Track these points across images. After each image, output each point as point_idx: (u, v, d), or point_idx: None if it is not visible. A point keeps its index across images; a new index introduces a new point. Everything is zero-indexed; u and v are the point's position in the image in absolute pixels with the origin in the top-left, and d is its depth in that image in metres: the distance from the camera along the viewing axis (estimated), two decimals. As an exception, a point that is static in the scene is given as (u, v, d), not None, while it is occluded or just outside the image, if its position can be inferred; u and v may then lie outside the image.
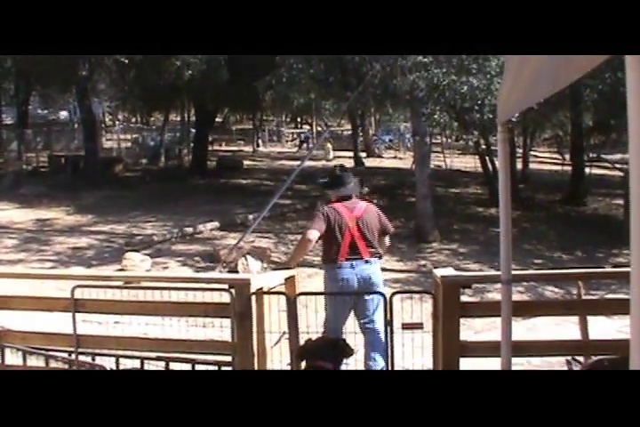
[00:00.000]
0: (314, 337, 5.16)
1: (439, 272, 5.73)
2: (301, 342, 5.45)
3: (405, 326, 5.27)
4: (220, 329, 8.29)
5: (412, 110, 18.18)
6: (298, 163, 34.16)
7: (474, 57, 14.92)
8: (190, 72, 22.24)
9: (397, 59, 14.99)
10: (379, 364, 6.28)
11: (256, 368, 5.14)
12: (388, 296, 5.20)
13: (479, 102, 15.17)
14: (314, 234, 6.64)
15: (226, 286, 5.28)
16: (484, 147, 22.23)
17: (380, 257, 7.05)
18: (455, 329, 4.86)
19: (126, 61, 23.12)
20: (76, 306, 5.46)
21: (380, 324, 6.30)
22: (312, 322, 6.39)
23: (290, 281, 6.39)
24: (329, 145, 38.02)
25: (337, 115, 30.91)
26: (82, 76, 26.32)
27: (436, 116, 16.53)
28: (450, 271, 5.65)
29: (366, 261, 6.76)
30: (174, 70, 22.34)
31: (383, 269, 13.70)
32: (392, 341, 5.17)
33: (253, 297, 5.06)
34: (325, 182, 7.35)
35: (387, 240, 7.25)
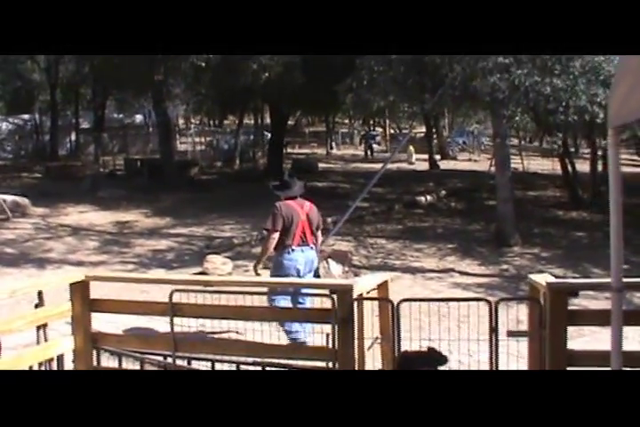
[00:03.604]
0: (409, 346, 5.12)
1: (539, 278, 5.58)
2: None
3: (511, 334, 5.16)
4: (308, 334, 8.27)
5: (492, 112, 17.93)
6: (371, 166, 34.27)
7: (557, 57, 14.62)
8: (267, 74, 22.28)
9: (478, 60, 14.79)
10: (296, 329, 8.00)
11: (356, 375, 5.06)
12: (493, 303, 5.05)
13: (563, 104, 14.86)
14: (276, 233, 8.51)
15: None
16: (560, 149, 21.77)
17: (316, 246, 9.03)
18: (562, 338, 4.71)
19: (203, 64, 23.20)
20: (173, 310, 5.46)
21: (308, 301, 8.08)
22: (407, 327, 6.32)
23: (382, 286, 6.31)
24: (411, 148, 37.80)
25: (412, 117, 30.72)
26: (157, 80, 26.59)
27: (517, 118, 16.27)
28: (548, 277, 5.49)
29: (311, 247, 8.83)
30: (251, 73, 22.40)
31: (465, 274, 13.73)
32: (497, 349, 5.02)
33: (355, 303, 4.99)
34: (276, 186, 9.08)
35: (319, 233, 9.13)
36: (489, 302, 5.08)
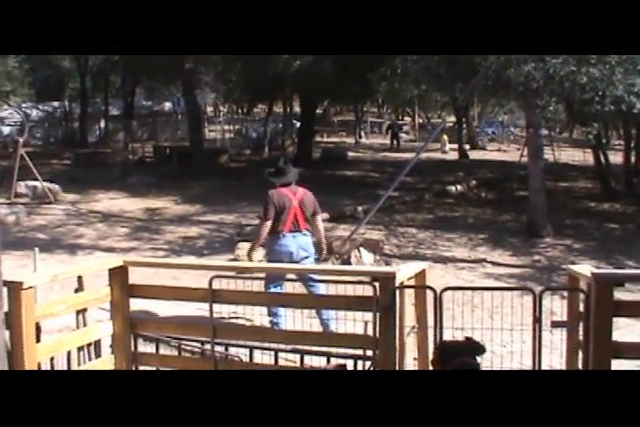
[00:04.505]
0: (444, 335, 5.09)
1: (580, 268, 5.51)
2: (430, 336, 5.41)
3: (554, 325, 5.10)
4: (343, 322, 8.26)
5: (525, 102, 17.75)
6: (399, 155, 34.16)
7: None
8: (298, 62, 22.23)
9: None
10: (328, 316, 8.21)
11: (397, 363, 5.03)
12: (537, 293, 4.98)
13: (599, 93, 14.66)
14: (268, 221, 8.75)
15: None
16: (592, 139, 21.47)
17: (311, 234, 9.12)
18: (607, 329, 4.62)
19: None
20: (213, 296, 5.45)
21: (320, 284, 8.10)
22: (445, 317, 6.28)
23: (420, 275, 6.26)
24: (445, 137, 37.65)
25: (443, 107, 30.55)
26: (188, 68, 26.61)
27: (550, 108, 16.12)
28: (590, 268, 5.42)
29: (304, 234, 8.98)
30: (282, 61, 22.35)
31: (497, 264, 13.62)
32: (540, 340, 4.93)
33: (397, 291, 4.94)
34: (271, 172, 9.28)
35: (319, 218, 9.24)
36: (533, 292, 5.01)
